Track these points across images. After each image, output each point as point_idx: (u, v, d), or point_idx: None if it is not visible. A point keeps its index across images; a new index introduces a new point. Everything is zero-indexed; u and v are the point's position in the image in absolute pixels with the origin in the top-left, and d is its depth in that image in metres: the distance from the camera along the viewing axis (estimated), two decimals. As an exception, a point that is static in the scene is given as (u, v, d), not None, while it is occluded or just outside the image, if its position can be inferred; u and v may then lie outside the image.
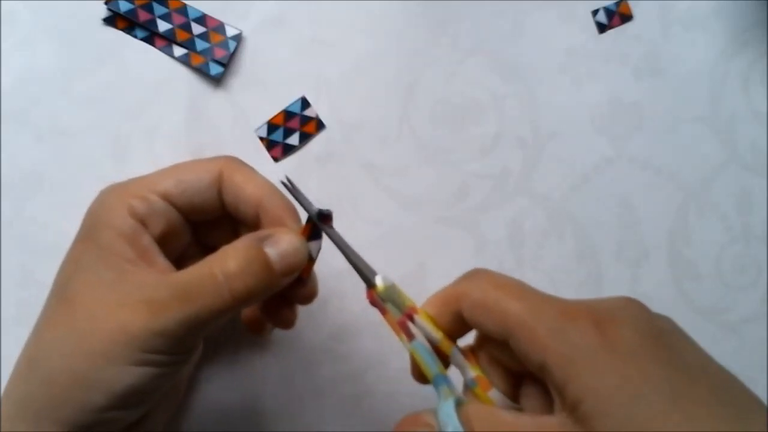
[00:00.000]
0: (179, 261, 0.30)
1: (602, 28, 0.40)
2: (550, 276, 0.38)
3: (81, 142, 0.37)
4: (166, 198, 0.29)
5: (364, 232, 0.37)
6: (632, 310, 0.24)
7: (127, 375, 0.26)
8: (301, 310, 0.37)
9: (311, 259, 0.29)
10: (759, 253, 0.39)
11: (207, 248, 0.31)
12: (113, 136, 0.37)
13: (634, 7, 0.40)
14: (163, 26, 0.37)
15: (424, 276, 0.37)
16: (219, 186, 0.29)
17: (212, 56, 0.37)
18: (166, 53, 0.38)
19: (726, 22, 0.40)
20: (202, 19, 0.38)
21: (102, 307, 0.26)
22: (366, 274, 0.29)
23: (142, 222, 0.28)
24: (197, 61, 0.37)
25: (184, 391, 0.33)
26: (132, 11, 0.37)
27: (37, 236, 0.36)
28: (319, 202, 0.38)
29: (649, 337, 0.23)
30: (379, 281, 0.29)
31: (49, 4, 0.37)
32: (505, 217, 0.38)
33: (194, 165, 0.30)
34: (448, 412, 0.27)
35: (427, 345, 0.29)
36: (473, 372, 0.29)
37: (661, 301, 0.38)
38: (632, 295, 0.25)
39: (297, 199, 0.29)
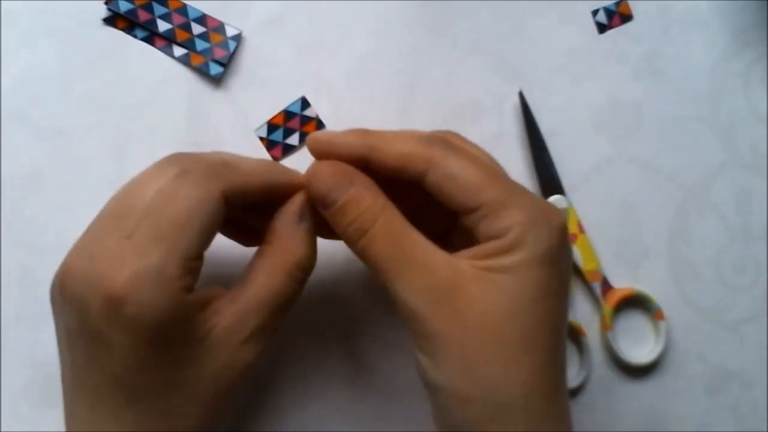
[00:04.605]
0: None
1: (602, 28, 0.40)
2: (550, 276, 0.38)
3: (81, 142, 0.37)
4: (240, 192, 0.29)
5: (364, 232, 0.37)
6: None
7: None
8: (302, 311, 0.37)
9: None
10: (759, 253, 0.39)
11: None
12: (113, 136, 0.37)
13: (634, 7, 0.40)
14: (163, 26, 0.37)
15: (424, 276, 0.37)
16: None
17: (212, 56, 0.37)
18: (166, 53, 0.38)
19: (726, 22, 0.40)
20: (202, 19, 0.38)
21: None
22: (546, 187, 0.37)
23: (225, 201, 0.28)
24: (197, 61, 0.37)
25: None
26: (132, 11, 0.37)
27: (37, 236, 0.36)
28: (319, 202, 0.38)
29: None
30: (549, 200, 0.37)
31: (49, 4, 0.37)
32: (505, 217, 0.38)
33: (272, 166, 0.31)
34: None
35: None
36: (602, 310, 0.37)
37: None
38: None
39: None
